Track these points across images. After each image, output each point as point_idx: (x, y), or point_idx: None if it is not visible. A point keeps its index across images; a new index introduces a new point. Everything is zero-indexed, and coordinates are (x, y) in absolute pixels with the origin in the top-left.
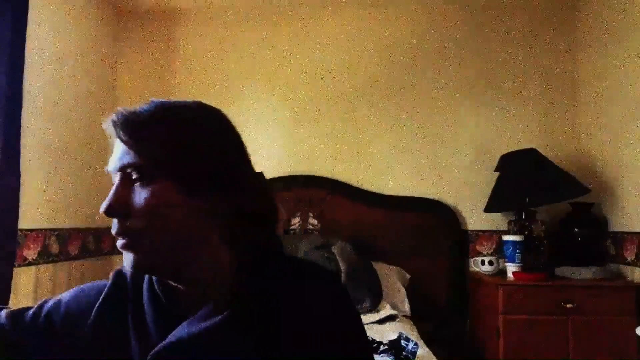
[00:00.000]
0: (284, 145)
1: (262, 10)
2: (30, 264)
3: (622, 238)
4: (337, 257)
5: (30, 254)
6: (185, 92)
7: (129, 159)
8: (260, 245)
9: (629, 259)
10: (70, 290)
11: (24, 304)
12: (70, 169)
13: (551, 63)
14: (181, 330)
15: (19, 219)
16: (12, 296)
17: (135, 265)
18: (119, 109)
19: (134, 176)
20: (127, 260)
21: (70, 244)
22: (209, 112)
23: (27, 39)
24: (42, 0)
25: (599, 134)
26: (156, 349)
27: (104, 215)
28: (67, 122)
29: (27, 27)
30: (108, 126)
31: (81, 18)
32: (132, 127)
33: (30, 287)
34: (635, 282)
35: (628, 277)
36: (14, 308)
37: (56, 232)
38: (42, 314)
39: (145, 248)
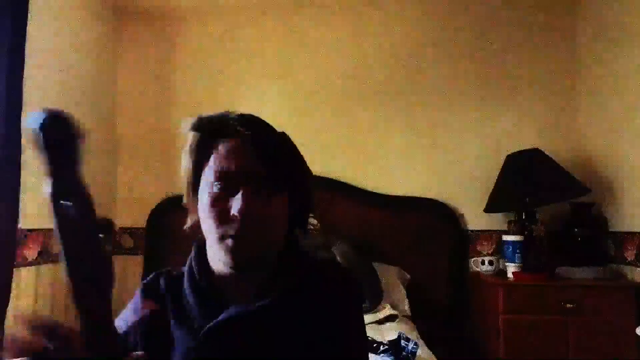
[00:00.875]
0: None
1: (265, 9)
2: (30, 264)
3: (622, 238)
4: (337, 257)
5: (31, 254)
6: (185, 91)
7: (259, 170)
8: (295, 245)
9: (629, 259)
10: (120, 315)
11: (24, 304)
12: None
13: (552, 64)
14: (230, 311)
15: (19, 219)
16: (12, 296)
17: (238, 264)
18: (223, 113)
19: (260, 185)
20: (229, 258)
21: None
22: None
23: (27, 38)
24: (42, 0)
25: (600, 134)
26: (210, 324)
27: (103, 215)
28: None
29: (27, 27)
30: (186, 128)
31: (81, 18)
32: (266, 142)
33: (30, 287)
34: (635, 282)
35: (628, 277)
36: None
37: None
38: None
39: (251, 249)
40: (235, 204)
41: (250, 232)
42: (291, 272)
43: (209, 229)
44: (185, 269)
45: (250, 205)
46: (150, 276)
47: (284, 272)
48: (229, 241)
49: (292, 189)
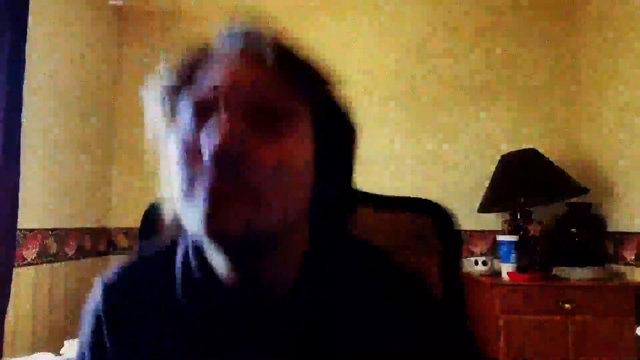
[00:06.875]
0: None
1: (269, 10)
2: (29, 264)
3: (621, 238)
4: None
5: (30, 254)
6: None
7: (271, 92)
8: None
9: (628, 259)
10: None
11: (24, 304)
12: (70, 168)
13: (550, 64)
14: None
15: (19, 219)
16: (12, 296)
17: (221, 241)
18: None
19: (266, 116)
20: (205, 231)
21: (68, 244)
22: None
23: (28, 37)
24: (43, 0)
25: (599, 134)
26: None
27: (101, 215)
28: (67, 122)
29: (28, 26)
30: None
31: (83, 18)
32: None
33: (30, 288)
34: (635, 282)
35: (628, 277)
36: None
37: (54, 232)
38: None
39: (240, 215)
40: (209, 140)
41: (237, 184)
42: (327, 265)
43: (179, 193)
44: (177, 267)
45: (234, 138)
46: (105, 284)
47: (313, 264)
48: (203, 203)
49: (318, 119)
